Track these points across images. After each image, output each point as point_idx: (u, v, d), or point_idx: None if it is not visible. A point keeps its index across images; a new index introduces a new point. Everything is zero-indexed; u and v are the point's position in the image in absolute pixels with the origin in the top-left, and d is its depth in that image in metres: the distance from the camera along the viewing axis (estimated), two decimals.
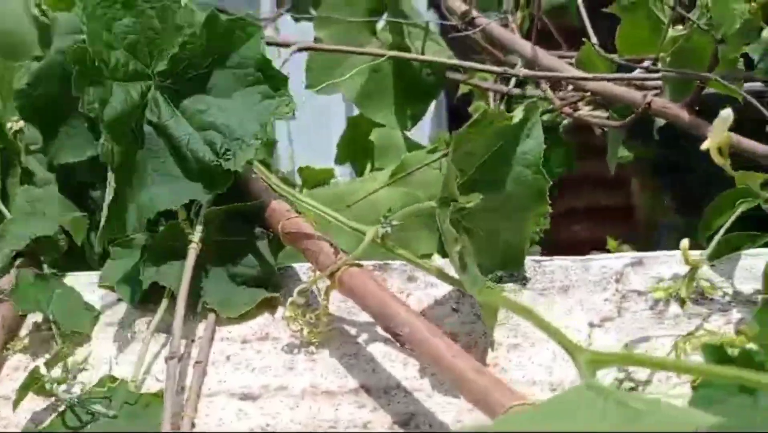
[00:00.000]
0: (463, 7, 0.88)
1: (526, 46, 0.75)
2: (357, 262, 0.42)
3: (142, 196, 0.43)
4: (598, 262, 0.46)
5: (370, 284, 0.41)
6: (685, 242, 0.39)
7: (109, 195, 0.42)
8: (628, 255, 0.46)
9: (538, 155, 0.41)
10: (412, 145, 0.99)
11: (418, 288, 0.46)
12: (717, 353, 0.33)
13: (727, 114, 0.34)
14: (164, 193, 0.44)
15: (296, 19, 1.22)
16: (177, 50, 0.44)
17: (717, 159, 0.36)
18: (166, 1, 0.46)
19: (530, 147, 0.41)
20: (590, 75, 0.63)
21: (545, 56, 0.72)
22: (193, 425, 0.40)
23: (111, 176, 0.42)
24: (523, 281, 0.45)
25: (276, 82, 0.46)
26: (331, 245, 0.43)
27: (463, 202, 0.38)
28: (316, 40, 0.96)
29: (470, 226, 0.42)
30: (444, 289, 0.46)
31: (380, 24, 0.99)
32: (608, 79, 0.63)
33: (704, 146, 0.36)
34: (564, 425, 0.21)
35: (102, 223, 0.44)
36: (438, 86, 0.99)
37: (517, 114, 0.39)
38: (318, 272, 0.43)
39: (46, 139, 0.49)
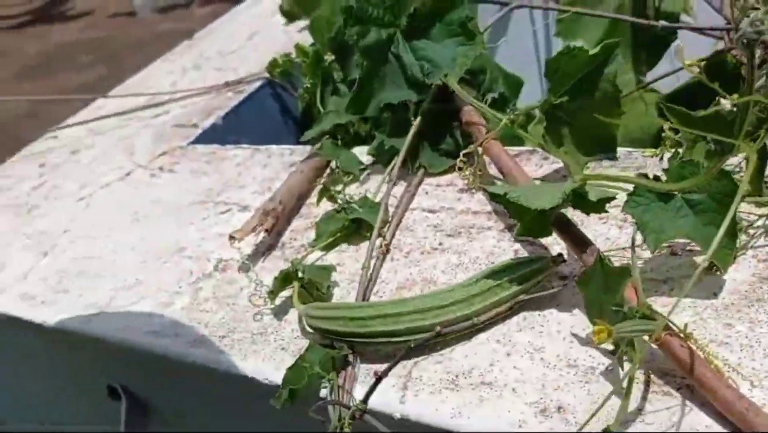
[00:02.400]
0: None
1: None
2: (496, 138, 0.70)
3: (381, 93, 0.78)
4: None
5: (502, 154, 0.69)
6: None
7: (355, 88, 0.78)
8: None
9: (615, 76, 0.65)
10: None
11: (543, 165, 0.74)
12: None
13: None
14: (393, 93, 0.78)
15: None
16: (413, 11, 0.77)
17: None
18: None
19: (610, 70, 0.65)
20: None
21: None
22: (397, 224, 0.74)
23: (358, 79, 0.77)
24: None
25: (470, 35, 0.76)
26: (488, 130, 0.73)
27: (554, 100, 0.64)
28: None
29: (571, 121, 0.67)
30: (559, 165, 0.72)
31: None
32: None
33: None
34: None
35: (347, 102, 0.80)
36: (671, 38, 1.16)
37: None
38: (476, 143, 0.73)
39: (342, 67, 0.86)
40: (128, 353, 0.73)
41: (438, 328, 0.51)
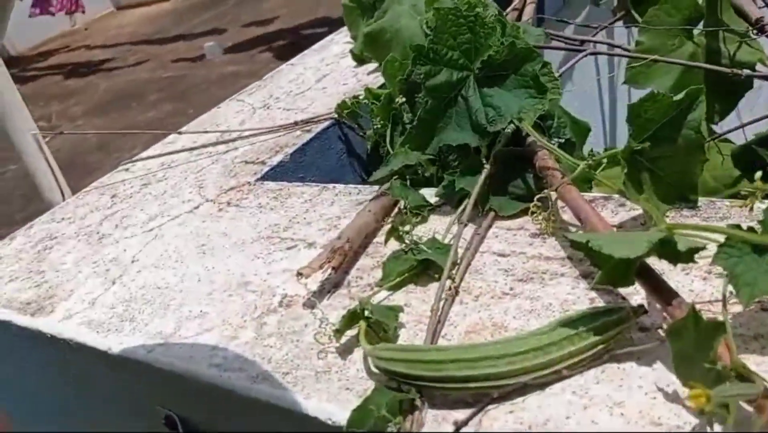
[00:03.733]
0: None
1: None
2: (572, 183, 0.69)
3: (443, 134, 0.77)
4: None
5: (579, 199, 0.68)
6: None
7: (415, 124, 0.77)
8: None
9: (700, 121, 0.63)
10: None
11: (619, 213, 0.72)
12: None
13: None
14: (455, 135, 0.77)
15: (627, 27, 1.48)
16: (487, 58, 0.76)
17: None
18: (490, 29, 0.78)
19: (695, 116, 0.63)
20: None
21: None
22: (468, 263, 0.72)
23: (418, 115, 0.77)
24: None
25: (542, 89, 0.75)
26: (562, 174, 0.71)
27: (636, 146, 0.63)
28: (637, 43, 1.19)
29: (652, 168, 0.65)
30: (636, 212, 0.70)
31: (696, 30, 1.17)
32: None
33: None
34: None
35: (404, 139, 0.80)
36: (746, 87, 1.14)
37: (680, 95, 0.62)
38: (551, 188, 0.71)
39: (412, 108, 0.87)
40: (189, 384, 0.73)
41: (524, 378, 0.48)
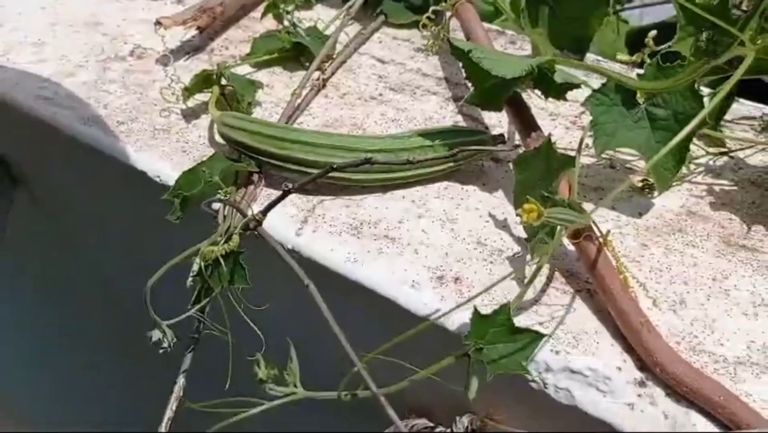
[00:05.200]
0: None
1: None
2: (472, 1, 0.65)
3: None
4: None
5: (474, 20, 0.64)
6: None
7: None
8: None
9: None
10: None
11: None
12: None
13: None
14: None
15: None
16: None
17: None
18: None
19: None
20: None
21: None
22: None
23: None
24: None
25: None
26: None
27: None
28: None
29: (553, 6, 0.63)
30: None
31: None
32: None
33: None
34: None
35: None
36: None
37: None
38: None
39: None
40: (13, 115, 0.65)
41: (369, 156, 0.46)
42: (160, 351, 0.39)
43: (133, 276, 0.47)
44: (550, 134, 0.46)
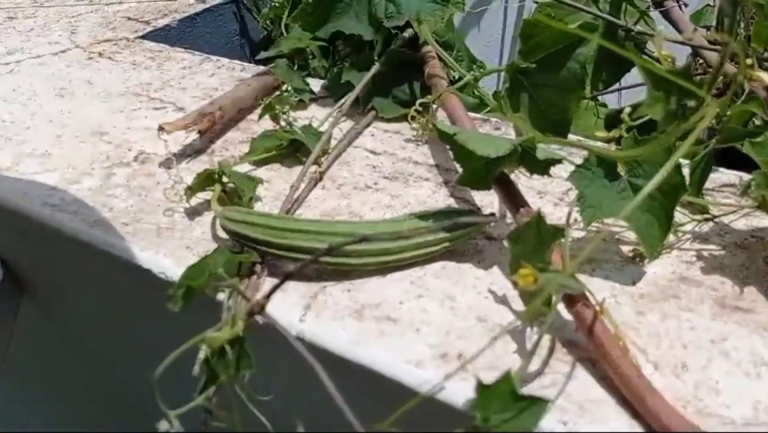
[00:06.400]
0: None
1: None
2: (457, 93, 0.69)
3: (339, 20, 0.75)
4: None
5: (458, 109, 0.68)
6: None
7: (312, 3, 0.75)
8: None
9: (587, 57, 0.64)
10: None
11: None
12: None
13: None
14: (351, 24, 0.75)
15: None
16: None
17: None
18: None
19: (583, 51, 0.64)
20: None
21: None
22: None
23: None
24: None
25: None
26: (449, 84, 0.71)
27: (522, 64, 0.63)
28: None
29: (533, 94, 0.66)
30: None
31: None
32: None
33: None
34: None
35: (296, 13, 0.77)
36: (632, 64, 1.18)
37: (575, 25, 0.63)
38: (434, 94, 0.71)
39: None
40: (19, 222, 0.67)
41: (363, 235, 0.47)
42: None
43: (138, 371, 0.47)
44: (539, 208, 0.48)
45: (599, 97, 1.20)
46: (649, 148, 0.44)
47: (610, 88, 1.05)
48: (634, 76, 1.12)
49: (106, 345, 0.75)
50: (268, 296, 0.43)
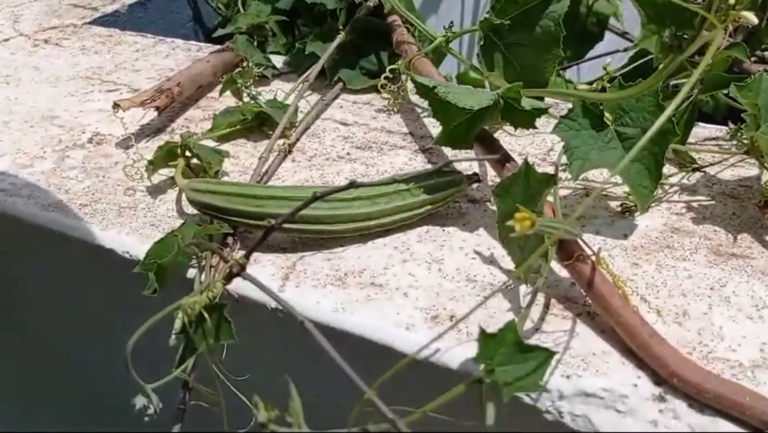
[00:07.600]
0: None
1: None
2: (428, 56, 0.66)
3: None
4: None
5: (434, 73, 0.65)
6: None
7: None
8: None
9: (561, 14, 0.62)
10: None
11: None
12: None
13: None
14: None
15: None
16: None
17: None
18: None
19: (557, 8, 0.62)
20: None
21: None
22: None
23: None
24: None
25: None
26: (419, 49, 0.68)
27: (496, 21, 0.61)
28: None
29: (507, 54, 0.64)
30: None
31: None
32: None
33: None
34: None
35: None
36: (597, 38, 1.18)
37: None
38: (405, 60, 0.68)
39: None
40: None
41: (354, 180, 0.44)
42: (146, 419, 0.36)
43: (107, 360, 0.43)
44: (526, 157, 0.46)
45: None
46: (642, 86, 0.42)
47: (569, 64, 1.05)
48: (596, 51, 1.12)
49: (68, 344, 0.70)
50: (248, 255, 0.39)
